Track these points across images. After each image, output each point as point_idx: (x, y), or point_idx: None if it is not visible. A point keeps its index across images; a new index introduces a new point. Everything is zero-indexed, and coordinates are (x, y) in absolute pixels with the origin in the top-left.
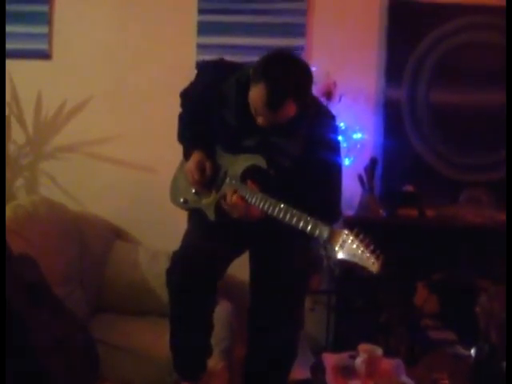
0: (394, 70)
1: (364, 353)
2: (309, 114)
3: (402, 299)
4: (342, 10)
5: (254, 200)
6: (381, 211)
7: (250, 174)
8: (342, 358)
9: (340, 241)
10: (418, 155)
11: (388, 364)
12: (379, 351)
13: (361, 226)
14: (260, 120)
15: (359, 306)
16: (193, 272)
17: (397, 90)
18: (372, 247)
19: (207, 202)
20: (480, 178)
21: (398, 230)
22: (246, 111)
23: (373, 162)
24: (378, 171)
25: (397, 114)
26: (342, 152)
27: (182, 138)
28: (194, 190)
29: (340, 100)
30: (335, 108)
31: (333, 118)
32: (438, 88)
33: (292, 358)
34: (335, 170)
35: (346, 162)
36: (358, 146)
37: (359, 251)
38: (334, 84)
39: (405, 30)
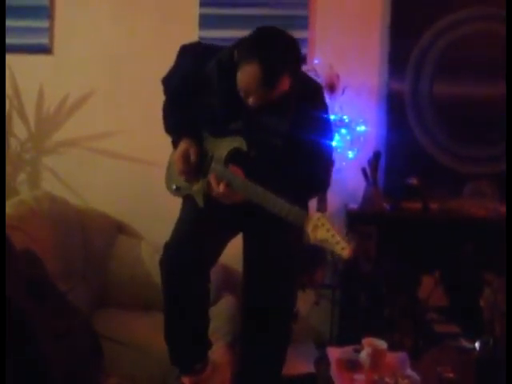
0: (397, 62)
1: (368, 346)
2: (295, 89)
3: (406, 293)
4: (344, 2)
5: (234, 185)
6: (384, 204)
7: (233, 157)
8: (346, 351)
9: (312, 225)
10: (422, 148)
11: (392, 358)
12: (384, 345)
13: (364, 219)
14: (252, 100)
15: (363, 299)
16: (183, 261)
17: (400, 82)
18: (344, 232)
19: (196, 189)
20: (484, 170)
21: (401, 223)
22: (229, 94)
23: (376, 155)
24: (382, 164)
25: (400, 107)
26: (344, 141)
27: (167, 127)
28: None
29: (343, 93)
30: (338, 101)
31: (319, 88)
32: (442, 80)
33: (285, 337)
34: (324, 140)
35: (350, 154)
36: (362, 138)
37: (330, 236)
38: (337, 76)
39: (408, 22)
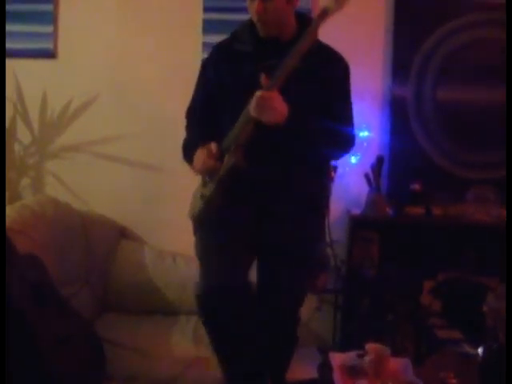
0: (400, 67)
1: (371, 352)
2: (317, 54)
3: (409, 298)
4: (347, 8)
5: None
6: (388, 210)
7: None
8: (349, 357)
9: None
10: (425, 153)
11: (396, 363)
12: (387, 350)
13: (367, 224)
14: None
15: (366, 304)
16: (227, 301)
17: (403, 87)
18: None
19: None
20: (487, 175)
21: (404, 229)
22: (246, 61)
23: (379, 161)
24: (385, 169)
25: (403, 112)
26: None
27: (188, 158)
28: (207, 178)
29: None
30: None
31: (341, 57)
32: (445, 85)
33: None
34: (345, 101)
35: (353, 160)
36: (365, 144)
37: None
38: None
39: (410, 28)
